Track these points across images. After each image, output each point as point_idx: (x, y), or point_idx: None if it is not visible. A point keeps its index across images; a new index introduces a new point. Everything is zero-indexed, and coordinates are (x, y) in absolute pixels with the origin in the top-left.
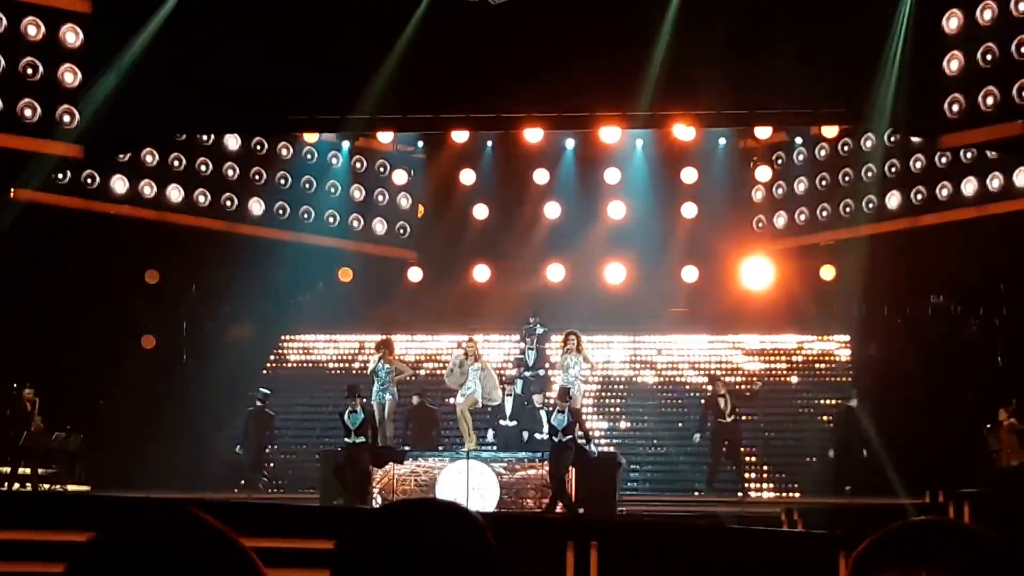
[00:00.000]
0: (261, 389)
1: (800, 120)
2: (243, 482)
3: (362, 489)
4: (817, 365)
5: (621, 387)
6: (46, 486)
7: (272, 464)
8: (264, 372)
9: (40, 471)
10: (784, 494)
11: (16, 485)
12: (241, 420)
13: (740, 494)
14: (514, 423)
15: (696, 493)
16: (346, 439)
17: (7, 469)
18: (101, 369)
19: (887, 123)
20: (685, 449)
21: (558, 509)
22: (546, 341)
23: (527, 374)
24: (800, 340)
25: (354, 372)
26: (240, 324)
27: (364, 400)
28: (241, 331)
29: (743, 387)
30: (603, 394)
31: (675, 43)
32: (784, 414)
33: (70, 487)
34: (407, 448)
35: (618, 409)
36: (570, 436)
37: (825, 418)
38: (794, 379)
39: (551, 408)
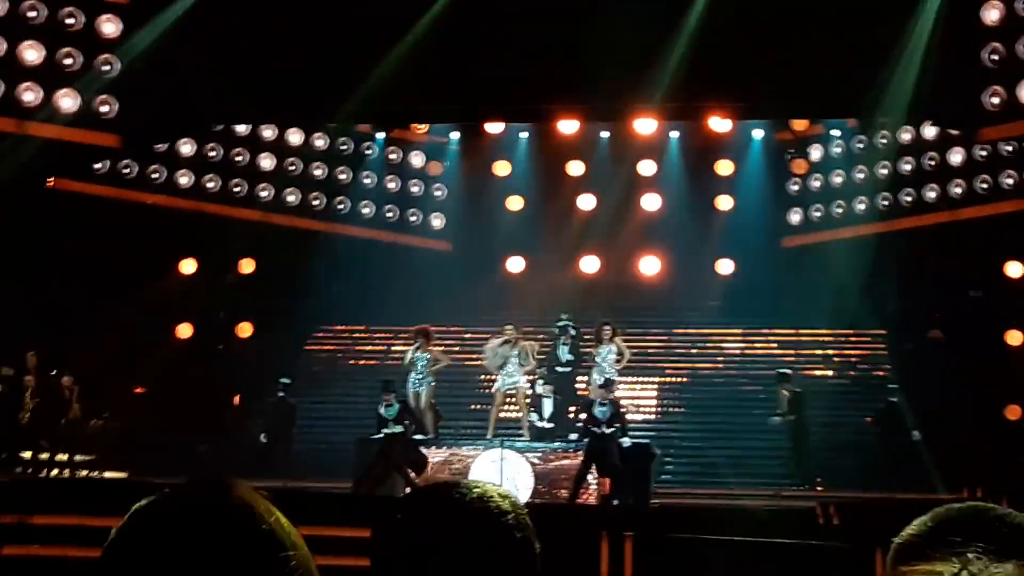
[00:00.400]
0: (281, 379)
1: (831, 112)
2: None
3: (382, 481)
4: (853, 359)
5: (654, 381)
6: (84, 472)
7: (295, 453)
8: (299, 363)
9: (78, 458)
10: (818, 488)
11: (55, 471)
12: (268, 408)
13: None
14: (551, 425)
15: (730, 488)
16: (383, 430)
17: (46, 455)
18: (138, 357)
19: (923, 116)
20: (719, 443)
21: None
22: (579, 341)
23: (559, 370)
24: (836, 334)
25: (388, 363)
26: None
27: (395, 394)
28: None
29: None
30: (636, 387)
31: (706, 32)
32: (821, 407)
33: (107, 474)
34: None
35: (652, 403)
36: (613, 428)
37: (867, 419)
38: (829, 373)
39: (593, 400)
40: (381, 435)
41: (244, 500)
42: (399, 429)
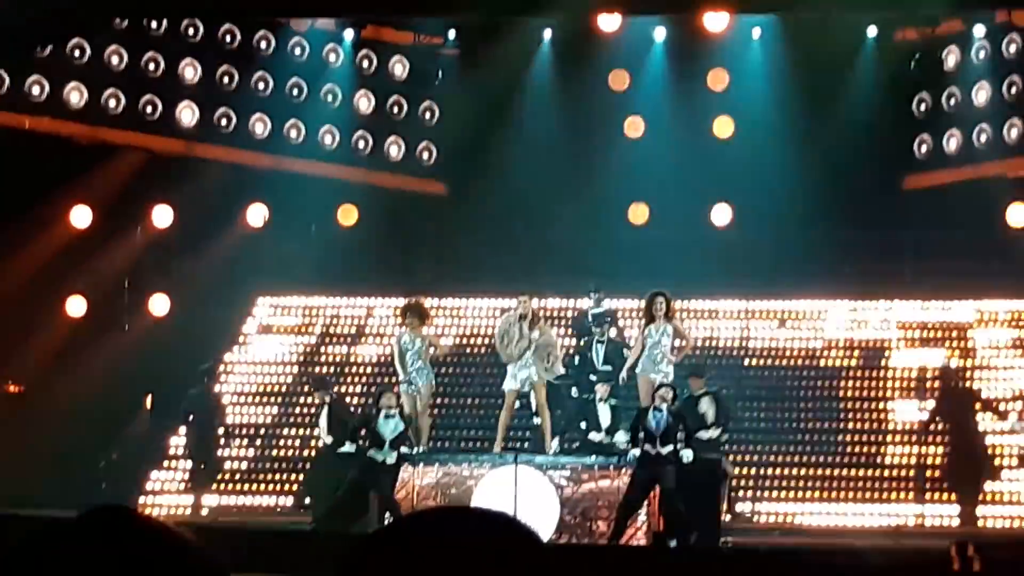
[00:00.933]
0: (202, 367)
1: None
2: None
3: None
4: (999, 340)
5: (730, 370)
6: None
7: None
8: (235, 345)
9: None
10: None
11: None
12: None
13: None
14: (608, 439)
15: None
16: (370, 453)
17: None
18: (12, 343)
19: None
20: (818, 459)
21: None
22: (613, 325)
23: (592, 377)
24: (978, 308)
25: (358, 348)
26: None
27: (400, 399)
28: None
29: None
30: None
31: None
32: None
33: None
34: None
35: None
36: (670, 447)
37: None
38: (968, 363)
39: (646, 406)
40: (354, 452)
41: (152, 522)
42: (394, 457)
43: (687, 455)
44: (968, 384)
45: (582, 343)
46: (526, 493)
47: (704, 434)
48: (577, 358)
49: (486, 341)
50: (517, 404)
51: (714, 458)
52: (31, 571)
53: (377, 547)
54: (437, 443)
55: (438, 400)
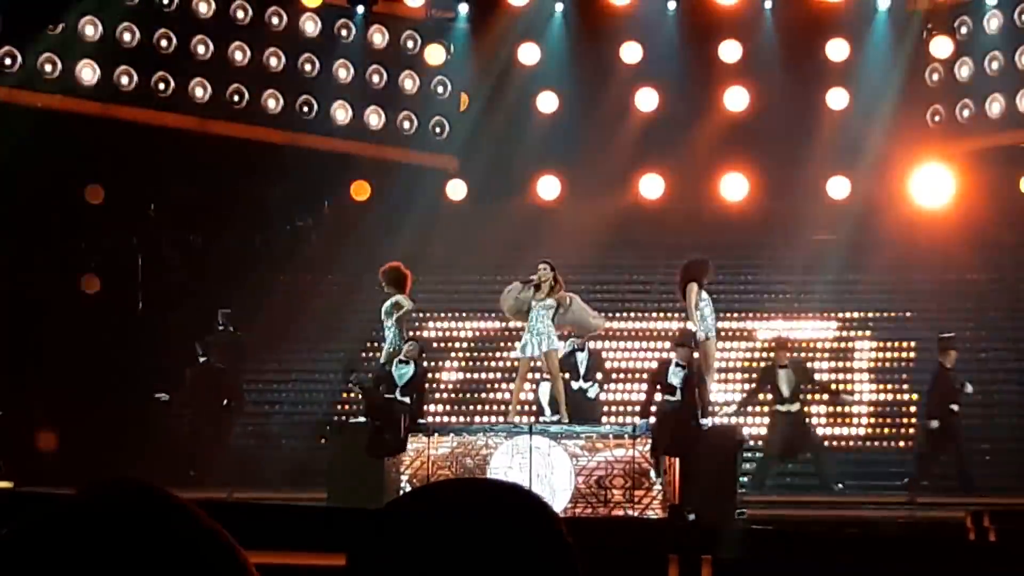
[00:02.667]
0: (222, 309)
1: None
2: (192, 473)
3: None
4: (1013, 319)
5: (743, 344)
6: None
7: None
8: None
9: None
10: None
11: None
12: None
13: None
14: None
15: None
16: (385, 394)
17: None
18: (27, 322)
19: None
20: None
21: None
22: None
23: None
24: (992, 279)
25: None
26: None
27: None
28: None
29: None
30: (718, 357)
31: None
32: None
33: None
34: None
35: (739, 375)
36: (685, 401)
37: None
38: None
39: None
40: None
41: (176, 500)
42: (405, 401)
43: (706, 421)
44: None
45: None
46: (541, 462)
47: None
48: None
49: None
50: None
51: (729, 425)
52: (39, 550)
53: (389, 521)
54: (452, 418)
55: (456, 376)
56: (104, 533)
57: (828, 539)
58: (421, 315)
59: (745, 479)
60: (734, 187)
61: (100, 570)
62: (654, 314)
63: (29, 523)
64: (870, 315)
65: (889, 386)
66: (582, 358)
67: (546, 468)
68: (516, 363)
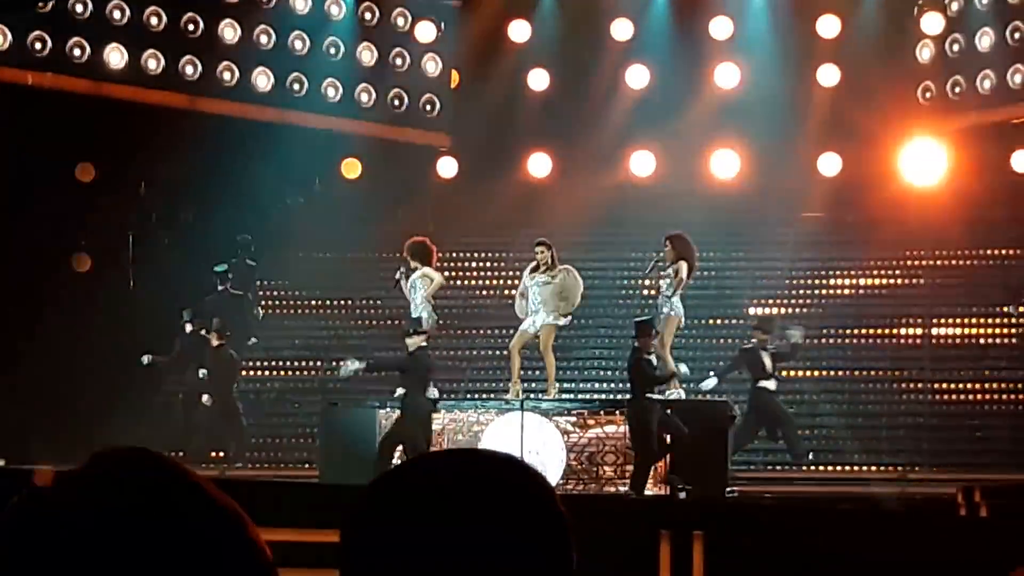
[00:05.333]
0: (216, 268)
1: None
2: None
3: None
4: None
5: (736, 322)
6: None
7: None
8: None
9: None
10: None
11: None
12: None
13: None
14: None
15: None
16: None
17: None
18: (18, 300)
19: None
20: (827, 407)
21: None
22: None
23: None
24: (983, 256)
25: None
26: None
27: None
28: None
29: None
30: (712, 333)
31: None
32: (956, 366)
33: None
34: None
35: (730, 352)
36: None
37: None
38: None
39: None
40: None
41: (181, 468)
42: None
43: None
44: None
45: None
46: (532, 439)
47: None
48: None
49: (493, 292)
50: None
51: (720, 401)
52: (46, 521)
53: (382, 493)
54: (443, 395)
55: (448, 352)
56: (111, 502)
57: (819, 514)
58: None
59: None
60: (725, 164)
61: (108, 540)
62: (644, 292)
63: (37, 493)
64: (860, 292)
65: (880, 364)
66: None
67: (538, 443)
68: (509, 339)
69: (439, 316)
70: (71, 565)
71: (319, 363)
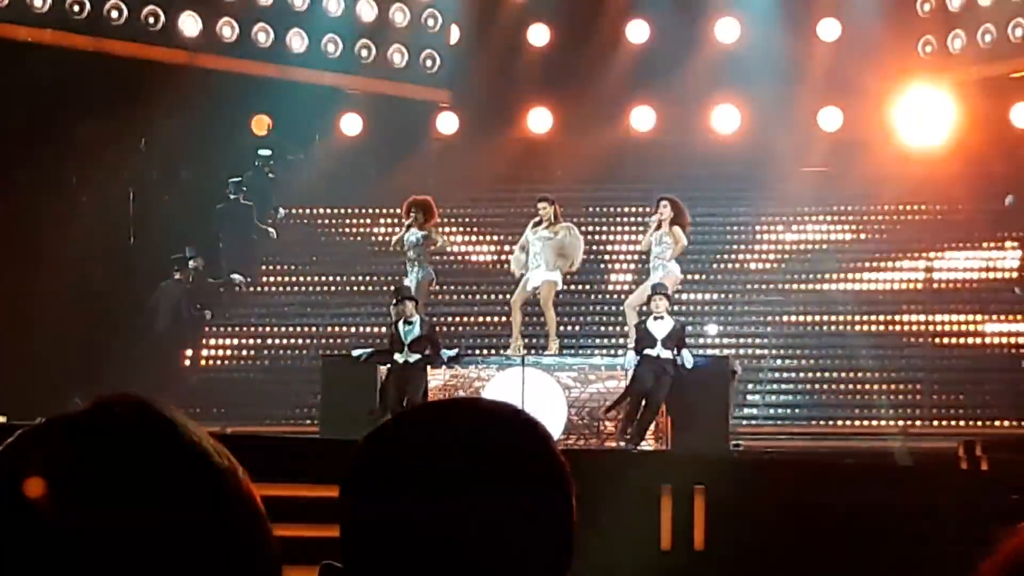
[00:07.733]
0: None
1: None
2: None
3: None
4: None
5: (735, 278)
6: None
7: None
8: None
9: None
10: (961, 423)
11: None
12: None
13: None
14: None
15: (839, 422)
16: (396, 355)
17: None
18: (18, 258)
19: None
20: (826, 363)
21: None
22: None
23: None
24: (982, 210)
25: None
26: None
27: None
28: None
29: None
30: (711, 289)
31: None
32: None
33: None
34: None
35: (731, 307)
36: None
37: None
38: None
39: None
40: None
41: (170, 415)
42: (416, 358)
43: (687, 359)
44: None
45: None
46: (533, 394)
47: None
48: None
49: (490, 248)
50: None
51: (722, 356)
52: (40, 461)
53: (380, 442)
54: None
55: (448, 308)
56: (108, 447)
57: (822, 468)
58: None
59: None
60: (726, 119)
61: (101, 483)
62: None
63: (30, 434)
64: (861, 246)
65: (881, 317)
66: None
67: (539, 399)
68: (510, 295)
69: (438, 274)
70: (54, 512)
71: (318, 321)
